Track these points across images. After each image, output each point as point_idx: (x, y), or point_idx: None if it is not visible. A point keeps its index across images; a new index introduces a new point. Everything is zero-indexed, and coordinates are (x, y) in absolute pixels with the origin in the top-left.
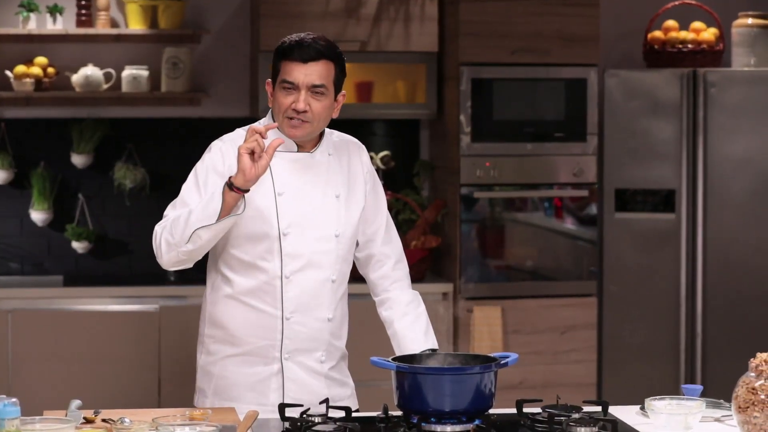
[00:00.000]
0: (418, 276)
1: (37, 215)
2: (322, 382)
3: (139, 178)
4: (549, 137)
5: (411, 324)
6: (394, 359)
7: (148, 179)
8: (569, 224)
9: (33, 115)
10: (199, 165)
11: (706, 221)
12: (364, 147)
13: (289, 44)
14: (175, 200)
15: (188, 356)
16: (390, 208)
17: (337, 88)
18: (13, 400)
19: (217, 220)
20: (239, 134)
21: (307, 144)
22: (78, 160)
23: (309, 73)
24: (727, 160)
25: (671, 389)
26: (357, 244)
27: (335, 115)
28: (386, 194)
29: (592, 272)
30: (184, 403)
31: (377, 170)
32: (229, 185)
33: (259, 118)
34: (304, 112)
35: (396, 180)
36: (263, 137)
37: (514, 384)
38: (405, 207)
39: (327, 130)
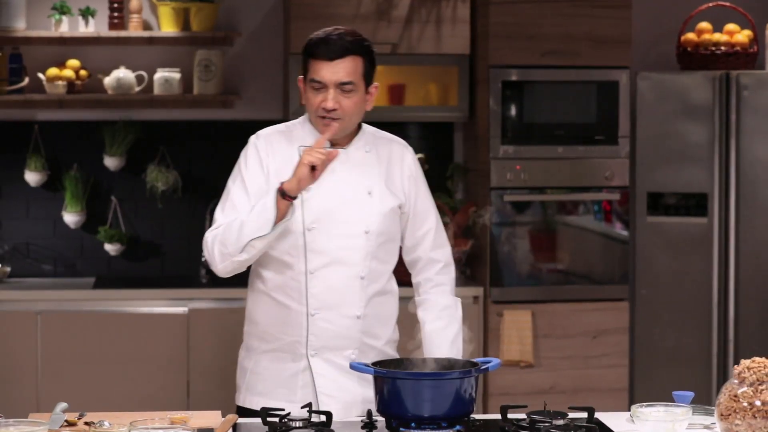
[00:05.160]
0: None
1: (70, 217)
2: (354, 381)
3: (171, 181)
4: (580, 140)
5: (441, 330)
6: (374, 364)
7: (180, 182)
8: (601, 228)
9: (65, 118)
10: (241, 164)
11: (738, 225)
12: (410, 149)
13: (315, 42)
14: (222, 203)
15: (217, 358)
16: None
17: (368, 81)
18: None
19: (271, 229)
20: (276, 129)
21: (342, 140)
22: (110, 162)
23: (336, 71)
24: (760, 163)
25: (703, 395)
26: (404, 246)
27: (369, 108)
28: None
29: (624, 276)
30: (212, 405)
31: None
32: (281, 193)
33: (291, 120)
34: (334, 110)
35: (429, 183)
36: (328, 155)
37: (545, 389)
38: None
39: (369, 127)
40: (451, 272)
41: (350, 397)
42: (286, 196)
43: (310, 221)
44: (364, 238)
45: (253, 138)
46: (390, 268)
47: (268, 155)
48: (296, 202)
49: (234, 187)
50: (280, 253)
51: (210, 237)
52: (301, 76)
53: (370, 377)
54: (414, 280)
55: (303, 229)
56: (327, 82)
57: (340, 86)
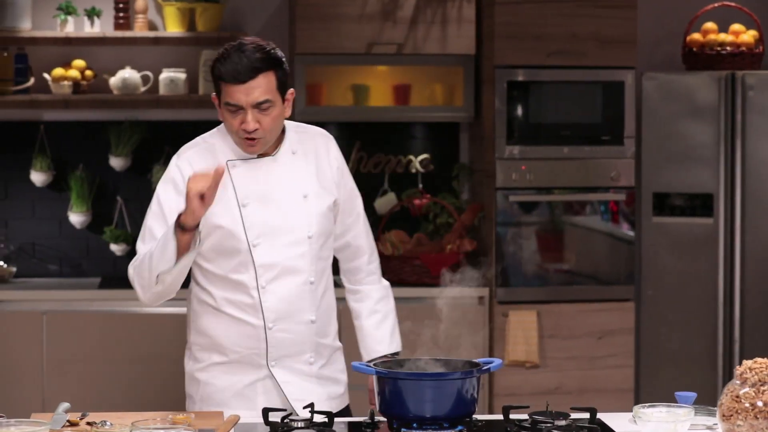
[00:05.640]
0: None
1: (76, 217)
2: (314, 382)
3: None
4: (586, 140)
5: (378, 323)
6: (376, 364)
7: None
8: (606, 228)
9: (71, 118)
10: (159, 190)
11: (744, 225)
12: (332, 138)
13: (222, 64)
14: (142, 233)
15: None
16: (427, 212)
17: (283, 91)
18: None
19: (176, 262)
20: (194, 146)
21: (268, 149)
22: (116, 162)
23: (250, 92)
24: (765, 163)
25: (709, 395)
26: (334, 234)
27: (288, 114)
28: (424, 197)
29: (630, 276)
30: None
31: (416, 173)
32: (181, 227)
33: (295, 122)
34: (255, 130)
35: (435, 183)
36: (214, 177)
37: (551, 389)
38: (442, 210)
39: (290, 124)
40: (377, 259)
41: (315, 397)
42: (186, 228)
43: (253, 237)
44: (308, 243)
45: (174, 159)
46: (329, 263)
47: (194, 172)
48: (222, 226)
49: (150, 215)
50: (226, 272)
51: (131, 270)
52: (215, 94)
53: (331, 376)
54: (343, 266)
55: (248, 246)
56: (243, 105)
57: (257, 106)
